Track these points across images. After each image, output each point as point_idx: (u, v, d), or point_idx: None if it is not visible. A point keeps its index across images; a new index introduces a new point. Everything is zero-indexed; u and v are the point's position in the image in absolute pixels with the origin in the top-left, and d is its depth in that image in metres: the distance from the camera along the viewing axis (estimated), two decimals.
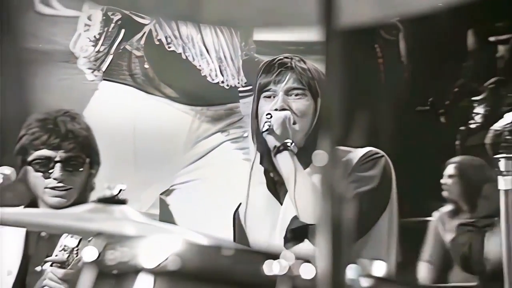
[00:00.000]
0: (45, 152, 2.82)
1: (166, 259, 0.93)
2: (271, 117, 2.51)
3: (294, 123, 2.53)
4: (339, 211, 0.78)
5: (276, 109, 2.54)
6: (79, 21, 5.38)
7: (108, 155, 3.25)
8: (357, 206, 2.32)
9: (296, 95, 2.56)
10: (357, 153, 2.53)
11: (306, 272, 0.88)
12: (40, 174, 2.82)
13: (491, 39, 6.75)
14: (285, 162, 2.52)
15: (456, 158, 5.37)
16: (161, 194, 5.42)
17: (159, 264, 0.93)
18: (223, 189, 4.96)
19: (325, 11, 0.76)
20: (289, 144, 2.50)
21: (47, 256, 2.64)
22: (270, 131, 2.51)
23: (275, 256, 0.89)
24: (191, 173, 5.47)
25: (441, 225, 5.31)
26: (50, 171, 2.81)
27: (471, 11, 6.14)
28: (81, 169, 2.84)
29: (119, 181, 2.83)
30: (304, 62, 2.63)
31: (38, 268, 2.63)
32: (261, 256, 0.91)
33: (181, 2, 0.91)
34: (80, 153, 2.83)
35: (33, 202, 2.92)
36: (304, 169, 2.52)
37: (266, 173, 2.62)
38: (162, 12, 0.94)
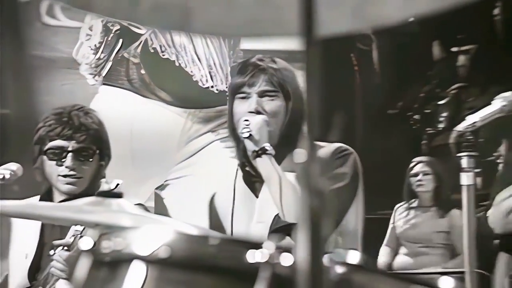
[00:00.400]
0: (59, 142, 2.80)
1: (158, 248, 0.91)
2: (249, 123, 2.44)
3: (269, 124, 2.46)
4: (317, 204, 0.77)
5: (251, 111, 2.46)
6: (81, 31, 5.38)
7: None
8: (330, 201, 2.29)
9: (269, 96, 2.48)
10: (329, 149, 2.49)
11: (285, 260, 0.87)
12: (54, 162, 2.81)
13: (454, 49, 6.79)
14: (264, 166, 2.46)
15: (426, 158, 5.39)
16: (156, 188, 5.41)
17: (151, 253, 0.92)
18: (212, 184, 4.95)
19: (305, 22, 0.75)
20: (267, 148, 2.43)
21: (60, 238, 2.64)
22: (248, 136, 2.43)
23: (257, 245, 0.89)
24: (184, 170, 5.46)
25: (400, 216, 5.36)
26: (63, 160, 2.80)
27: (436, 25, 6.16)
28: (91, 160, 2.82)
29: (117, 177, 2.82)
30: (275, 62, 2.55)
31: (51, 252, 2.63)
32: (245, 245, 0.90)
33: (173, 13, 0.91)
34: (90, 145, 2.81)
35: (49, 191, 2.91)
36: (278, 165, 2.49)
37: (242, 166, 2.55)
38: (155, 22, 0.92)
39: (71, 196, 2.79)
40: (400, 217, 5.37)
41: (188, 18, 0.90)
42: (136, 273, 0.93)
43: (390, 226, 5.39)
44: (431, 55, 6.98)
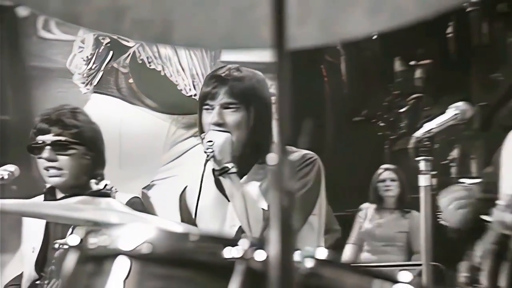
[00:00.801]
0: (39, 137, 2.78)
1: (141, 244, 0.90)
2: (212, 143, 2.33)
3: (232, 140, 2.36)
4: (287, 204, 0.75)
5: (213, 123, 2.35)
6: (74, 44, 5.37)
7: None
8: (296, 203, 2.27)
9: (230, 108, 2.37)
10: (296, 155, 2.45)
11: (259, 255, 0.86)
12: (37, 157, 2.78)
13: (412, 63, 6.84)
14: (226, 185, 2.39)
15: (392, 166, 5.44)
16: (143, 188, 5.39)
17: (134, 248, 0.90)
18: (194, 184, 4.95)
19: (276, 36, 0.74)
20: (228, 167, 2.34)
21: (63, 234, 2.61)
22: (211, 157, 2.33)
23: (233, 242, 0.87)
24: (169, 171, 5.44)
25: (365, 217, 5.38)
26: (43, 153, 2.77)
27: (397, 41, 6.20)
28: (69, 152, 2.76)
29: (107, 177, 2.79)
30: (240, 72, 2.43)
31: (56, 245, 2.59)
32: (222, 242, 0.89)
33: (155, 27, 0.89)
34: (69, 138, 2.76)
35: (51, 190, 2.87)
36: (244, 175, 2.43)
37: (213, 172, 2.44)
38: (140, 35, 0.91)
39: (63, 190, 2.77)
40: (366, 218, 5.40)
41: (169, 32, 0.89)
42: (120, 267, 0.91)
43: (356, 225, 5.42)
44: (393, 68, 7.04)
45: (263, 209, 2.35)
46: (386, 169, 5.37)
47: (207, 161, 2.37)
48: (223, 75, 2.41)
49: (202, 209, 2.51)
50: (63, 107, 2.84)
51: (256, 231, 2.34)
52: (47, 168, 2.76)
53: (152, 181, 5.43)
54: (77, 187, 2.72)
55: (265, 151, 2.42)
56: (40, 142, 2.76)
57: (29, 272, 2.79)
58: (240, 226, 2.40)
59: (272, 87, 2.46)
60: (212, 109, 2.38)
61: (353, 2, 0.88)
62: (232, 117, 2.37)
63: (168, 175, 5.43)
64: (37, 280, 2.73)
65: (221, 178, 2.38)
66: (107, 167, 3.20)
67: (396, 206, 5.30)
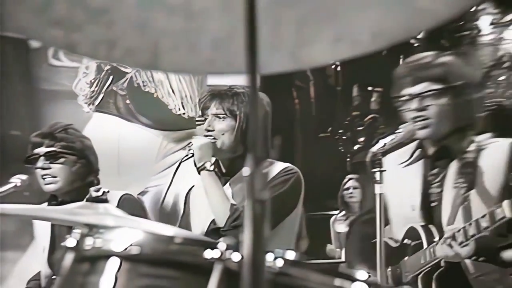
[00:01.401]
0: (35, 150, 2.76)
1: (130, 246, 0.87)
2: (192, 144, 2.49)
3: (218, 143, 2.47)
4: (259, 211, 0.73)
5: (206, 129, 2.49)
6: (79, 70, 5.35)
7: (99, 166, 3.20)
8: (270, 208, 2.28)
9: (219, 118, 2.48)
10: (277, 167, 2.47)
11: (234, 257, 0.84)
12: (34, 167, 2.77)
13: (369, 88, 6.90)
14: (203, 180, 2.48)
15: (355, 175, 5.46)
16: (138, 194, 5.35)
17: (124, 250, 0.87)
18: (183, 191, 4.94)
19: (250, 63, 0.72)
20: (206, 166, 2.46)
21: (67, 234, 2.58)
22: (191, 155, 2.49)
23: (213, 245, 0.85)
24: (160, 179, 5.41)
25: (335, 223, 5.42)
26: (37, 164, 2.76)
27: (356, 68, 6.24)
28: (60, 161, 2.73)
29: (107, 185, 2.76)
30: (231, 90, 2.55)
31: (63, 244, 2.58)
32: (202, 244, 0.87)
33: (143, 55, 0.87)
34: (59, 149, 2.73)
35: (54, 196, 2.84)
36: (235, 174, 2.47)
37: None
38: (130, 63, 0.88)
39: (60, 195, 2.74)
40: (339, 222, 5.45)
41: (156, 59, 0.87)
42: (112, 267, 0.89)
43: (332, 229, 5.47)
44: (352, 92, 7.09)
45: (231, 204, 2.39)
46: (350, 179, 5.41)
47: (183, 160, 2.51)
48: (217, 92, 2.55)
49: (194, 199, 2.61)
50: (55, 124, 2.83)
51: (223, 222, 2.40)
52: (43, 177, 2.74)
53: (146, 188, 5.40)
54: (73, 191, 2.69)
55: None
56: (35, 154, 2.74)
57: (44, 269, 2.76)
58: (213, 219, 2.46)
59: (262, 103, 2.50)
60: (206, 118, 2.52)
61: (318, 34, 0.86)
62: (220, 124, 2.47)
63: (160, 182, 5.40)
64: (53, 275, 2.70)
65: (200, 173, 2.47)
66: (108, 175, 3.18)
67: (359, 210, 5.33)
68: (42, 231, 2.80)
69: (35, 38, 0.83)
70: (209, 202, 2.45)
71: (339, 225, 5.44)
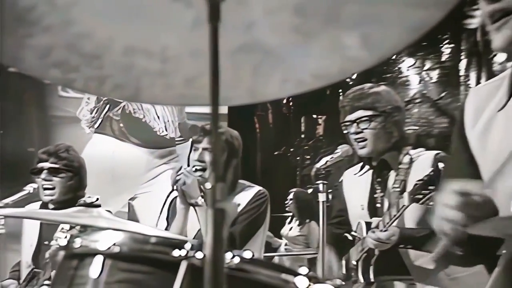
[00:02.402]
0: (39, 164, 2.72)
1: (112, 245, 0.84)
2: (179, 182, 2.45)
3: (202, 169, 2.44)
4: (219, 218, 0.71)
5: (196, 160, 2.44)
6: (83, 100, 5.38)
7: (96, 176, 3.17)
8: (245, 227, 2.33)
9: (209, 151, 2.43)
10: (252, 191, 2.47)
11: (198, 255, 0.81)
12: (37, 177, 2.73)
13: (314, 116, 6.96)
14: (199, 214, 2.46)
15: (294, 189, 5.49)
16: (129, 199, 5.33)
17: (107, 248, 0.84)
18: (164, 198, 4.91)
19: (213, 97, 0.70)
20: (198, 202, 2.42)
21: (51, 235, 2.52)
22: (177, 190, 2.46)
23: (180, 245, 0.83)
24: (147, 187, 5.40)
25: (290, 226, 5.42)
26: (41, 175, 2.72)
27: (304, 100, 6.28)
28: (60, 175, 2.70)
29: (103, 192, 2.72)
30: (222, 128, 2.53)
31: (46, 242, 2.53)
32: (172, 244, 0.84)
33: (127, 90, 0.85)
34: (62, 167, 2.70)
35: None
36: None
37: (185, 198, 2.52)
38: (117, 96, 0.86)
39: (53, 204, 2.71)
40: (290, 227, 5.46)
41: (138, 94, 0.85)
42: (97, 263, 0.86)
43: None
44: (301, 119, 7.14)
45: None
46: (291, 192, 5.45)
47: (172, 191, 2.46)
48: (207, 128, 2.49)
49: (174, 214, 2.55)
50: (59, 145, 2.80)
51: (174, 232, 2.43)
52: (44, 187, 2.70)
53: (135, 195, 5.36)
54: (64, 202, 2.66)
55: (234, 183, 2.45)
56: (40, 167, 2.71)
57: (26, 261, 2.69)
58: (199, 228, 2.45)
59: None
60: (197, 150, 2.45)
61: (269, 75, 0.86)
62: (209, 157, 2.42)
63: (146, 190, 5.40)
64: (33, 268, 2.65)
65: (195, 208, 2.45)
66: (104, 184, 3.13)
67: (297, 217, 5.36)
68: (30, 229, 2.75)
69: (39, 77, 0.80)
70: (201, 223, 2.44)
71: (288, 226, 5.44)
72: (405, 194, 2.03)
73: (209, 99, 0.74)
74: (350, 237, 2.39)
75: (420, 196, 1.96)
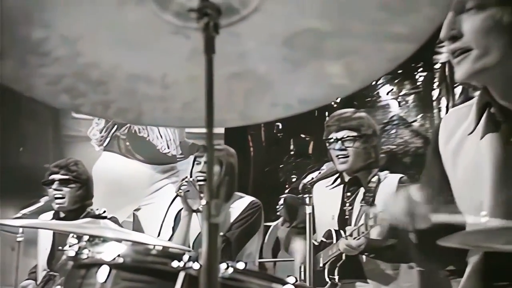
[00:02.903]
0: (51, 176, 2.74)
1: (116, 256, 0.82)
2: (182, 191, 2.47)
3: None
4: (213, 231, 0.69)
5: (199, 171, 2.47)
6: (93, 121, 5.36)
7: (105, 189, 3.15)
8: (240, 232, 2.32)
9: None
10: (245, 201, 2.49)
11: (195, 265, 0.79)
12: (48, 188, 2.75)
13: (302, 136, 6.95)
14: (199, 218, 2.47)
15: (284, 195, 5.43)
16: (134, 210, 5.30)
17: (113, 259, 0.82)
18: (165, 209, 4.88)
19: (209, 119, 0.69)
20: (178, 193, 2.45)
21: (64, 241, 2.51)
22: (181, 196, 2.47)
23: (179, 256, 0.81)
24: (150, 199, 5.37)
25: (278, 227, 5.36)
26: (53, 186, 2.73)
27: (295, 121, 6.28)
28: (70, 186, 2.74)
29: (111, 203, 2.71)
30: (220, 146, 2.59)
31: (60, 247, 2.54)
32: (171, 255, 0.82)
33: (131, 113, 0.84)
34: (71, 178, 2.73)
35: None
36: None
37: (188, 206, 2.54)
38: (121, 119, 0.85)
39: (64, 212, 2.72)
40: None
41: (140, 117, 0.84)
42: (103, 272, 0.84)
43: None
44: (291, 139, 7.14)
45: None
46: (281, 198, 5.38)
47: (173, 200, 2.46)
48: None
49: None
50: (69, 159, 2.86)
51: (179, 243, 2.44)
52: (55, 196, 2.72)
53: (140, 206, 5.34)
54: (73, 210, 2.67)
55: (230, 194, 2.47)
56: (52, 179, 2.74)
57: (42, 264, 2.69)
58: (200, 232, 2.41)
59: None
60: (199, 163, 2.46)
61: (259, 100, 0.85)
62: None
63: (149, 202, 5.38)
64: (48, 270, 2.65)
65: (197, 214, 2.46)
66: (112, 196, 3.10)
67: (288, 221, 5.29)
68: (45, 237, 2.76)
69: (50, 103, 0.79)
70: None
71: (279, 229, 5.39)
72: (371, 211, 2.08)
73: (205, 122, 0.73)
74: (316, 243, 2.40)
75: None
